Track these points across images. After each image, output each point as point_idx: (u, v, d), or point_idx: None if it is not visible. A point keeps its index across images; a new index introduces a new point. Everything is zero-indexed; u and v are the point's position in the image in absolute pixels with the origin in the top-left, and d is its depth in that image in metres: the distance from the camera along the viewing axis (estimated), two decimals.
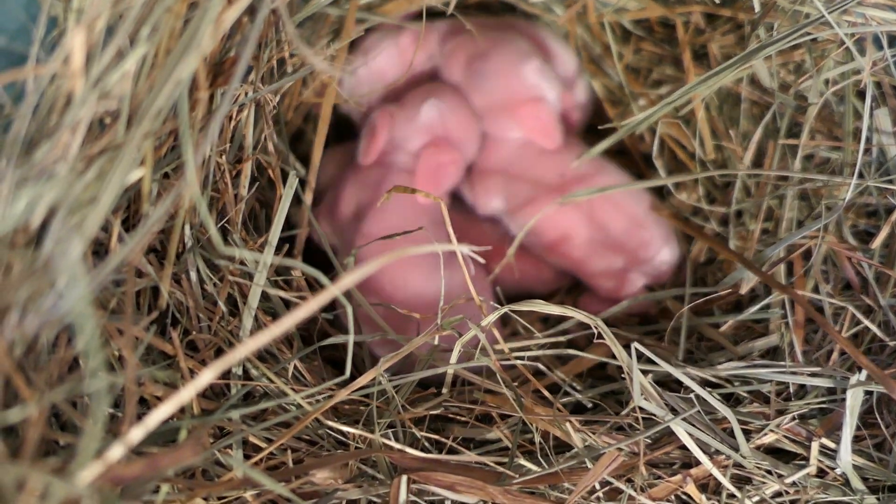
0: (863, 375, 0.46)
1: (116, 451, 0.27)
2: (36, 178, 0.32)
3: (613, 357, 0.46)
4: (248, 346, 0.29)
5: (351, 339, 0.42)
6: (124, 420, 0.32)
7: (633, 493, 0.44)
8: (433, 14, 0.64)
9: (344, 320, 0.51)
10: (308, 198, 0.55)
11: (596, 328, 0.45)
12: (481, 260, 0.44)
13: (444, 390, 0.49)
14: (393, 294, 0.55)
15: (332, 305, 0.55)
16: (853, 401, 0.45)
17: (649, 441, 0.47)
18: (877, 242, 0.53)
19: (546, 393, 0.49)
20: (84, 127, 0.32)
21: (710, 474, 0.45)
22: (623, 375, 0.52)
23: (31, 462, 0.28)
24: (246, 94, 0.46)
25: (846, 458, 0.45)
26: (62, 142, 0.32)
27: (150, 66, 0.35)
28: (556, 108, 0.61)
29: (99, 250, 0.39)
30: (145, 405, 0.41)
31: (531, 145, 0.62)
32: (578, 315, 0.44)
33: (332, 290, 0.30)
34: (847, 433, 0.45)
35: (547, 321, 0.60)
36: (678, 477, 0.45)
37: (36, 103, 0.34)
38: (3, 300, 0.29)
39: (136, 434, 0.28)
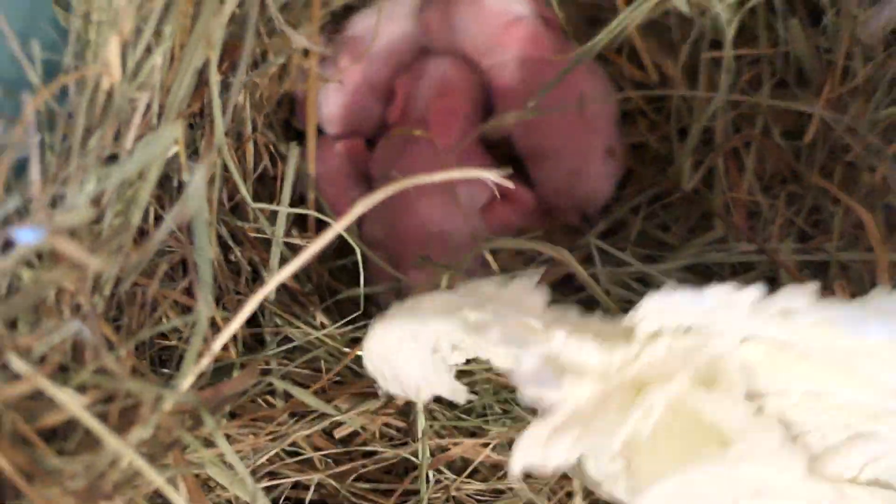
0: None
1: (205, 361, 0.34)
2: (94, 164, 0.38)
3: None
4: (280, 275, 0.35)
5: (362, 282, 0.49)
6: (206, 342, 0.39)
7: None
8: None
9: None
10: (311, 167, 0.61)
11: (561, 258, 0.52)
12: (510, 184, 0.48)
13: None
14: (419, 233, 0.62)
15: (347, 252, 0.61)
16: None
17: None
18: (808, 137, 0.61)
19: None
20: (126, 115, 0.39)
21: None
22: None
23: (145, 377, 0.35)
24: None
25: None
26: (110, 130, 0.38)
27: (169, 61, 0.41)
28: (534, 21, 0.68)
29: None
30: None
31: (527, 61, 0.68)
32: (547, 249, 0.50)
33: (336, 228, 0.35)
34: None
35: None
36: None
37: (80, 103, 0.40)
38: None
39: (217, 344, 0.34)
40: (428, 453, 0.49)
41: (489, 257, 0.56)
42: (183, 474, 0.38)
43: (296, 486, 0.51)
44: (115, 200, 0.38)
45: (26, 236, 0.32)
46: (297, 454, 0.51)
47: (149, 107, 0.41)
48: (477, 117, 0.72)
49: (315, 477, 0.50)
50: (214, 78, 0.42)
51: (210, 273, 0.31)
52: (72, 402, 0.32)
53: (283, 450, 0.50)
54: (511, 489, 0.51)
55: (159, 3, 0.39)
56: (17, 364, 0.31)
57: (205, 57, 0.42)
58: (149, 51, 0.39)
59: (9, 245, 0.33)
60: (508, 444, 0.51)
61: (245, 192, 0.41)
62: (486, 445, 0.51)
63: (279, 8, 0.55)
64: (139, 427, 0.33)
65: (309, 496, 0.49)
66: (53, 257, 0.33)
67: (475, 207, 0.66)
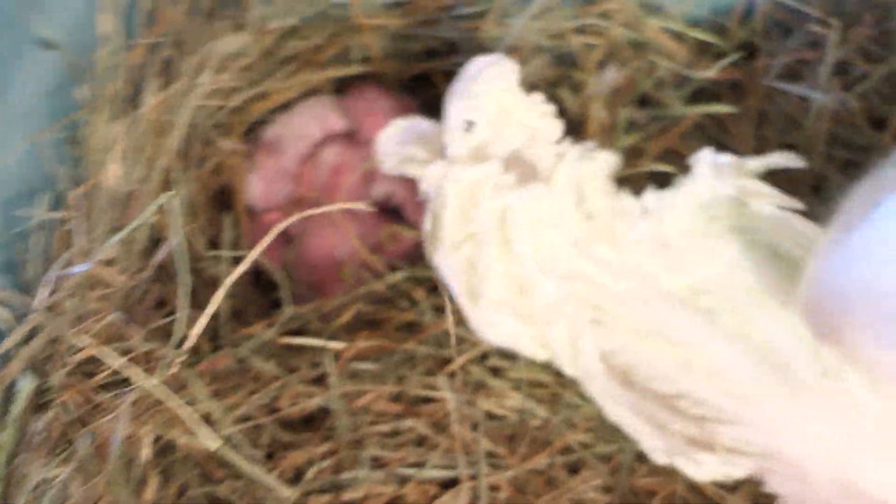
0: None
1: (196, 330, 0.58)
2: (109, 230, 0.63)
3: None
4: (231, 277, 0.60)
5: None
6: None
7: None
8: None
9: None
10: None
11: None
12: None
13: None
14: (321, 260, 0.88)
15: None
16: None
17: None
18: None
19: None
20: (123, 203, 0.64)
21: None
22: None
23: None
24: None
25: None
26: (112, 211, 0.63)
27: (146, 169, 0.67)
28: None
29: None
30: None
31: None
32: None
33: (253, 254, 0.60)
34: None
35: None
36: None
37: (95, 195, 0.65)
38: None
39: (201, 322, 0.58)
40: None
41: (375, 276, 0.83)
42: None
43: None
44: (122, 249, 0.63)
45: (80, 268, 0.57)
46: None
47: (133, 197, 0.66)
48: (366, 186, 0.99)
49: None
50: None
51: (188, 288, 0.57)
52: (116, 360, 0.56)
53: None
54: None
55: (137, 139, 0.65)
56: (83, 339, 0.55)
57: (167, 163, 0.68)
58: (133, 163, 0.65)
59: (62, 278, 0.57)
60: None
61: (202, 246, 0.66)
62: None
63: (212, 125, 0.81)
64: (159, 371, 0.57)
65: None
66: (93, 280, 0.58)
67: (367, 242, 0.91)
